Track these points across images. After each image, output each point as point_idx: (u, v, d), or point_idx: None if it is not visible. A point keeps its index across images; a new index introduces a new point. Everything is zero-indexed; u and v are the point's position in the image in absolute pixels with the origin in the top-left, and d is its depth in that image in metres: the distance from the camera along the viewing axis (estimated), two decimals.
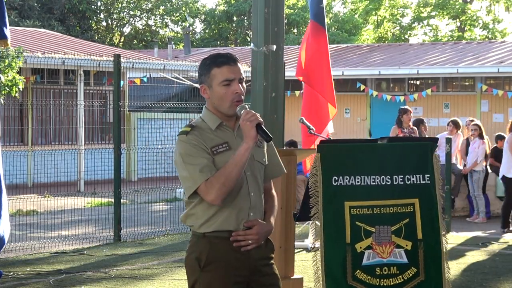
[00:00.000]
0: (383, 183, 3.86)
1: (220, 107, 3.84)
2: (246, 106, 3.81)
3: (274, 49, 7.26)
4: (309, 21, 9.85)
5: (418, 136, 12.98)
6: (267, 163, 3.96)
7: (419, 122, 14.24)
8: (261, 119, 3.73)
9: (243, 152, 3.70)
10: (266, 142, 3.78)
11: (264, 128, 3.71)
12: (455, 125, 14.09)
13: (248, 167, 3.80)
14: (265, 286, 3.85)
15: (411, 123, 13.34)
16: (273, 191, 4.03)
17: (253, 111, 3.74)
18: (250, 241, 3.78)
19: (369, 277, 3.77)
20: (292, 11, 37.08)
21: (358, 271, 3.77)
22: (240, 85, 3.82)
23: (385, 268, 3.80)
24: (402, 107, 13.90)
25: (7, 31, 6.67)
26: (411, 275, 3.84)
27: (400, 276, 3.82)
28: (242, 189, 3.80)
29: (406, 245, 3.84)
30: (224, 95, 3.80)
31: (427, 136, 13.84)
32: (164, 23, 41.59)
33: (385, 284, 3.79)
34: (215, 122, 3.85)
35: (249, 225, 3.81)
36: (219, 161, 3.76)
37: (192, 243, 3.87)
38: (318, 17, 9.48)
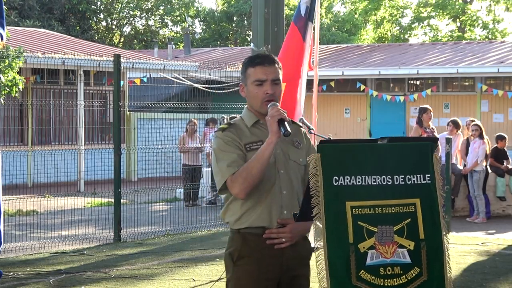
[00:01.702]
0: (384, 183, 3.86)
1: (253, 105, 3.99)
2: (277, 104, 3.90)
3: (270, 49, 7.27)
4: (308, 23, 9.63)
5: (436, 135, 12.85)
6: (305, 163, 3.98)
7: None
8: (285, 115, 3.82)
9: (265, 146, 3.79)
10: (285, 136, 3.83)
11: (285, 123, 3.80)
12: (455, 125, 14.08)
13: (282, 165, 3.90)
14: (295, 286, 3.90)
15: (430, 123, 13.09)
16: None
17: (278, 107, 3.84)
18: (283, 239, 3.85)
19: (373, 277, 3.77)
20: (292, 12, 37.08)
21: (362, 271, 3.76)
22: (273, 86, 3.92)
23: (389, 268, 3.80)
24: (422, 106, 13.64)
25: (3, 32, 6.69)
26: (414, 275, 3.83)
27: (404, 276, 3.82)
28: (274, 186, 3.88)
29: (409, 245, 3.84)
30: (256, 95, 3.94)
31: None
32: (164, 23, 41.60)
33: (389, 284, 3.78)
34: (251, 119, 3.98)
35: (283, 223, 3.87)
36: (251, 157, 3.85)
37: (229, 239, 3.99)
38: (296, 17, 9.29)
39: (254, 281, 3.84)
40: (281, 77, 4.00)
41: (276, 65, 3.95)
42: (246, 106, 4.06)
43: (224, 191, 3.88)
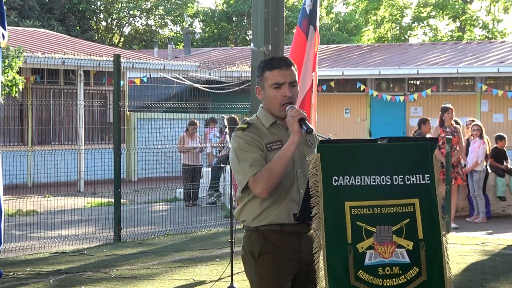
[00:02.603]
0: (383, 183, 3.86)
1: (271, 109, 4.04)
2: (294, 106, 3.98)
3: (270, 49, 7.28)
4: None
5: (460, 135, 12.66)
6: None
7: (421, 122, 14.22)
8: (305, 115, 3.89)
9: (288, 146, 3.86)
10: (307, 134, 3.92)
11: (306, 121, 3.87)
12: (456, 123, 14.07)
13: (299, 165, 3.99)
14: (309, 282, 3.97)
15: (453, 122, 12.81)
16: None
17: (297, 108, 3.93)
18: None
19: (371, 277, 3.77)
20: (291, 12, 37.06)
21: (361, 271, 3.76)
22: (291, 88, 3.99)
23: (388, 268, 3.80)
24: (443, 105, 13.30)
25: (5, 32, 6.70)
26: (413, 275, 3.84)
27: (403, 276, 3.82)
28: (293, 185, 3.97)
29: (408, 245, 3.84)
30: (274, 98, 4.00)
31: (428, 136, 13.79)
32: (164, 23, 41.60)
33: (388, 284, 3.79)
34: (269, 120, 4.04)
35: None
36: (272, 157, 3.91)
37: (246, 238, 4.04)
38: (300, 20, 9.38)
39: (277, 276, 3.93)
40: (297, 79, 4.07)
41: (292, 67, 4.02)
42: (261, 106, 4.11)
43: (246, 190, 3.94)
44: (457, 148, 12.65)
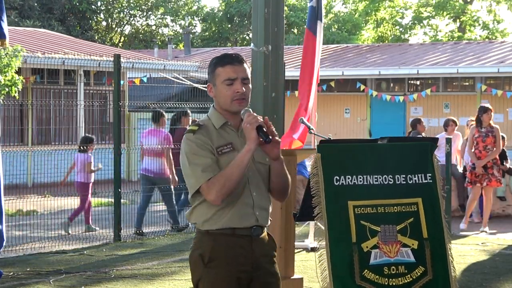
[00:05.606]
0: (385, 183, 3.86)
1: (223, 105, 3.92)
2: (250, 109, 3.88)
3: (270, 49, 7.28)
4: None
5: (498, 135, 12.46)
6: (269, 162, 4.02)
7: (416, 122, 14.20)
8: (262, 121, 3.79)
9: (244, 153, 3.76)
10: (266, 143, 3.80)
11: (264, 129, 3.76)
12: (455, 122, 14.07)
13: (250, 168, 3.86)
14: (266, 284, 3.89)
15: (491, 122, 12.40)
16: None
17: (254, 114, 3.82)
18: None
19: (377, 276, 3.77)
20: (291, 12, 37.05)
21: (366, 270, 3.76)
22: (243, 85, 3.89)
23: (393, 267, 3.80)
24: (482, 105, 12.85)
25: (6, 30, 6.70)
26: (419, 274, 3.84)
27: (409, 275, 3.82)
28: (245, 189, 3.85)
29: (413, 244, 3.84)
30: (226, 94, 3.89)
31: (423, 135, 13.78)
32: (164, 23, 41.59)
33: (394, 284, 3.79)
34: (220, 121, 3.93)
35: None
36: (223, 161, 3.82)
37: (197, 240, 3.93)
38: (309, 19, 9.49)
39: (227, 282, 3.82)
40: (250, 76, 3.96)
41: (245, 64, 3.93)
42: (212, 106, 3.99)
43: (197, 195, 3.83)
44: (494, 149, 12.32)
